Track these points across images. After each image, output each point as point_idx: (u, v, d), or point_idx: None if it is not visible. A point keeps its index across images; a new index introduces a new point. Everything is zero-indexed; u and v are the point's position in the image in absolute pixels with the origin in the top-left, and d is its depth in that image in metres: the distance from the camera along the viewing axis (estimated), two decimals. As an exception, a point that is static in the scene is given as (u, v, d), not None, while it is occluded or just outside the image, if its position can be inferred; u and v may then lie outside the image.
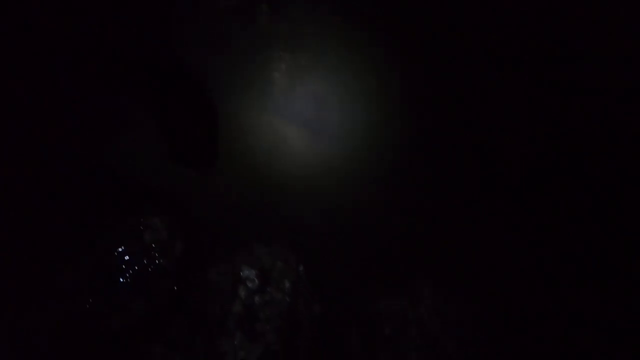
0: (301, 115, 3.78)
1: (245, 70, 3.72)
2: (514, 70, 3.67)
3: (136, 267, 3.22)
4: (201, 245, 3.53)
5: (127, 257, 3.22)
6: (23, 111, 3.28)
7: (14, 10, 3.21)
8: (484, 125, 3.78)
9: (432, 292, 3.62)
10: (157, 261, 3.32)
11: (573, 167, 3.68)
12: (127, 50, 3.54)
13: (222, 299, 3.35)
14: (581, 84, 3.59)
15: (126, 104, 3.58)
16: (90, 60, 3.45)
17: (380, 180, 3.80)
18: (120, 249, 3.23)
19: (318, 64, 3.74)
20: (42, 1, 3.29)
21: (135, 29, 3.55)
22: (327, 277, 3.68)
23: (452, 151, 3.82)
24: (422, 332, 3.50)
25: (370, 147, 3.80)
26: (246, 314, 3.30)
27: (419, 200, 3.83)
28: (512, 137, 3.77)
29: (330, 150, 3.79)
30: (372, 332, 3.56)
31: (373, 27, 3.72)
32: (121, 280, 3.16)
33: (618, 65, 3.49)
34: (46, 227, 3.21)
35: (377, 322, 3.58)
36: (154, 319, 3.18)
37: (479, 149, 3.80)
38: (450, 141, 3.81)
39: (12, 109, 3.25)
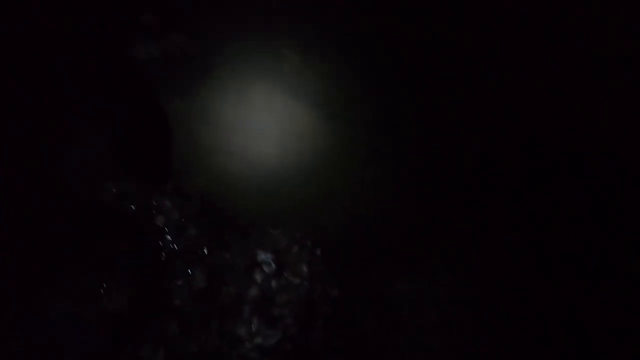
0: (311, 95, 3.74)
1: (254, 49, 3.68)
2: (514, 70, 3.67)
3: (149, 252, 3.19)
4: (215, 229, 3.49)
5: (138, 239, 3.19)
6: (23, 111, 3.28)
7: (14, 10, 3.21)
8: (484, 125, 3.78)
9: (450, 275, 3.60)
10: (170, 245, 3.29)
11: (573, 167, 3.68)
12: (127, 49, 3.54)
13: (238, 283, 3.32)
14: (581, 84, 3.59)
15: (126, 102, 3.58)
16: (91, 60, 3.45)
17: (397, 163, 3.79)
18: (128, 235, 3.20)
19: (326, 47, 3.70)
20: (42, 1, 3.29)
21: (136, 28, 3.55)
22: (343, 260, 3.66)
23: (453, 147, 3.82)
24: (439, 314, 3.48)
25: (380, 128, 3.77)
26: (263, 299, 3.28)
27: (431, 188, 3.83)
28: (512, 137, 3.77)
29: (343, 131, 3.75)
30: (388, 314, 3.55)
31: (377, 18, 3.72)
32: (129, 265, 3.12)
33: (618, 65, 3.49)
34: (46, 227, 3.21)
35: (393, 304, 3.57)
36: (167, 303, 3.15)
37: (479, 149, 3.81)
38: (451, 137, 3.81)
39: (12, 109, 3.25)
